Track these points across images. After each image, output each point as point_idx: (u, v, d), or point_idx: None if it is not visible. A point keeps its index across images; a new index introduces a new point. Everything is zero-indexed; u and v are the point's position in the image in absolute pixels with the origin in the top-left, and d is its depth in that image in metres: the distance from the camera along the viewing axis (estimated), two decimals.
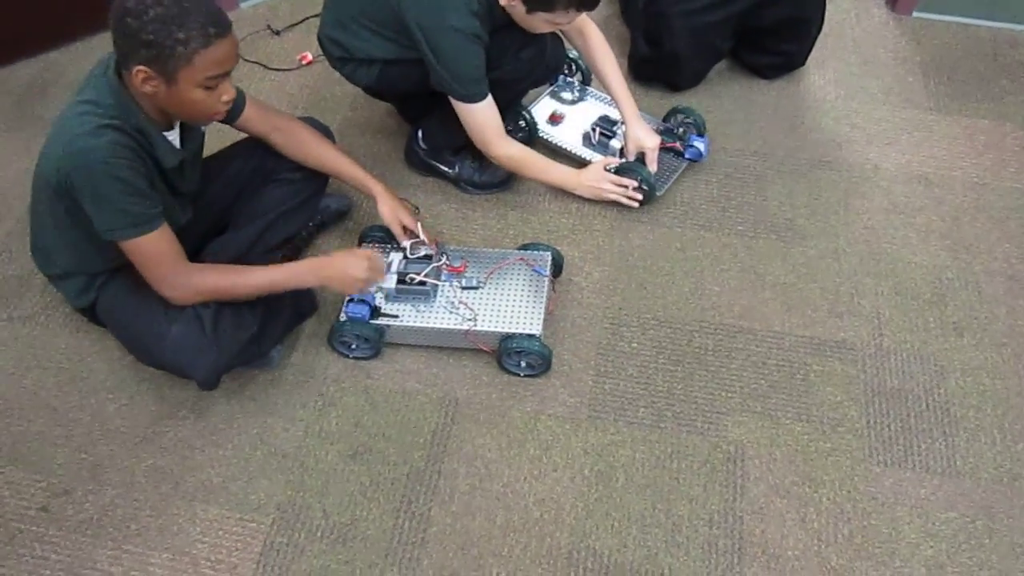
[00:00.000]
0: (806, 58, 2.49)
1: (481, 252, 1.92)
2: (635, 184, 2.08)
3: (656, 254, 2.06)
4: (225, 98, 1.50)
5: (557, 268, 1.97)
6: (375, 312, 1.80)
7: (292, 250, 1.97)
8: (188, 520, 1.62)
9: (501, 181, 2.18)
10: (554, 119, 2.28)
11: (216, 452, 1.71)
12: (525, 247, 1.95)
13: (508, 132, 2.03)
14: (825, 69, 2.53)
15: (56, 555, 1.58)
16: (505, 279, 1.86)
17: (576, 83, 2.36)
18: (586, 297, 1.98)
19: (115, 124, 1.46)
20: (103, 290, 1.71)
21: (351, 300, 1.80)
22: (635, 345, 1.90)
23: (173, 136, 1.59)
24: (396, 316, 1.80)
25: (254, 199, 1.86)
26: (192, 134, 1.66)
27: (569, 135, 2.25)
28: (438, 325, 1.79)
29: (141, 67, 1.41)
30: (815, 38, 2.45)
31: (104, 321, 1.77)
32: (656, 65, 2.40)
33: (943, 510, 1.67)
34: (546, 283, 1.86)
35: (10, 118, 2.32)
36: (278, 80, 2.44)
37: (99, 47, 2.51)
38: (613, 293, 1.99)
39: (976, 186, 2.23)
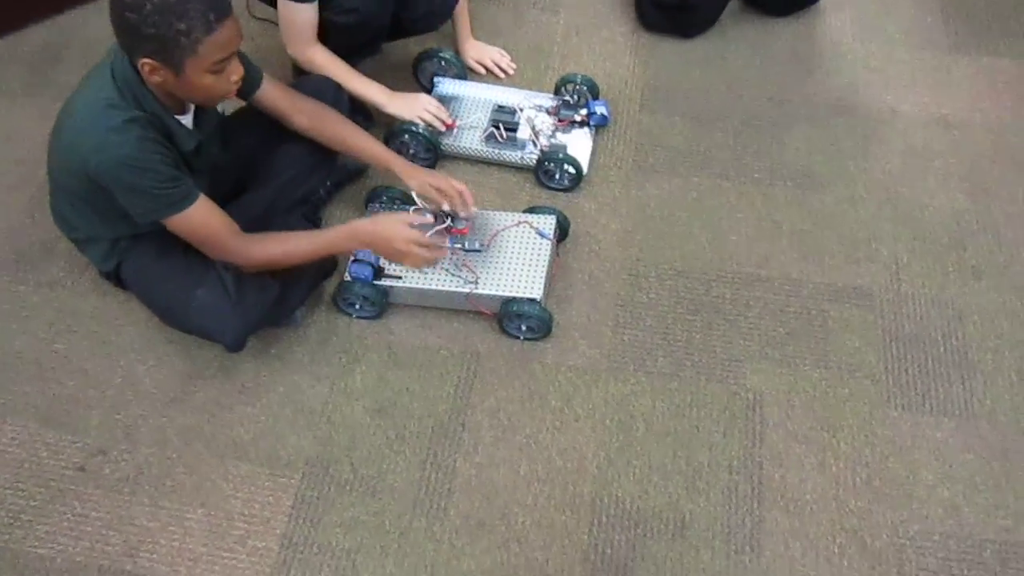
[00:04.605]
0: None
1: (485, 214, 1.91)
2: (447, 114, 2.09)
3: (673, 204, 2.07)
4: (234, 78, 1.52)
5: (563, 232, 1.95)
6: (378, 273, 1.82)
7: (310, 210, 1.98)
8: (221, 477, 1.67)
9: None
10: (448, 127, 2.10)
11: (245, 410, 1.75)
12: (530, 210, 1.95)
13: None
14: (842, 10, 2.48)
15: (96, 512, 1.63)
16: (508, 242, 1.86)
17: (451, 75, 2.24)
18: (603, 249, 1.99)
19: (137, 116, 1.49)
20: (126, 255, 1.74)
21: (355, 260, 1.82)
22: (653, 296, 1.91)
23: (187, 120, 1.61)
24: (399, 277, 1.82)
25: (268, 161, 1.87)
26: (207, 115, 1.67)
27: (470, 139, 2.10)
28: (440, 287, 1.80)
29: (147, 60, 1.43)
30: None
31: (129, 286, 1.80)
32: (667, 12, 2.36)
33: (960, 452, 1.69)
34: (549, 247, 1.85)
35: (26, 84, 2.32)
36: None
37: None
38: (630, 244, 2.00)
39: (996, 128, 2.20)
